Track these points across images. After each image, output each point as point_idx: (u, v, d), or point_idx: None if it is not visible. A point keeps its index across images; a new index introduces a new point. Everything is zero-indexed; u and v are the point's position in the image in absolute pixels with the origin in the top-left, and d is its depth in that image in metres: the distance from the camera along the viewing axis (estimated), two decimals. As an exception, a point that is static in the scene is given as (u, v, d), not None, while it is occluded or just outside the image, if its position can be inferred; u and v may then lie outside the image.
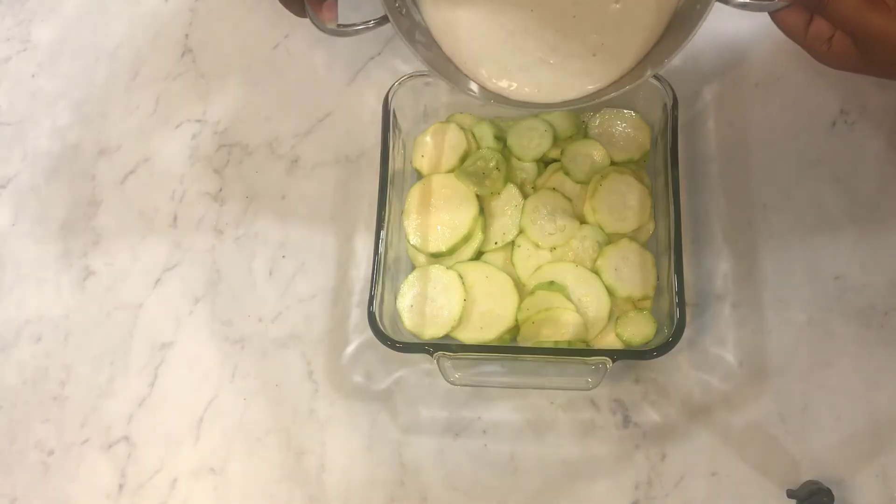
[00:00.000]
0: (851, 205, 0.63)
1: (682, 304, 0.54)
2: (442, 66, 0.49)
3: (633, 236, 0.61)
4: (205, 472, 0.60)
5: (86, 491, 0.61)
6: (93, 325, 0.65)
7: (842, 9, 0.42)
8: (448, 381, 0.57)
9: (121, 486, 0.61)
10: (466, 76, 0.50)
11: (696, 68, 0.67)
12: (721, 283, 0.61)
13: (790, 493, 0.55)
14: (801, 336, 0.60)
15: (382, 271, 0.57)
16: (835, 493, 0.54)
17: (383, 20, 0.47)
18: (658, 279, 0.59)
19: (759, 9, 0.45)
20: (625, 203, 0.61)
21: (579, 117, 0.64)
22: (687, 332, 0.54)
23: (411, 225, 0.61)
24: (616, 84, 0.49)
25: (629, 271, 0.59)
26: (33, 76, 0.74)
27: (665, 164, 0.59)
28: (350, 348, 0.62)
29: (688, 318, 0.55)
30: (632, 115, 0.63)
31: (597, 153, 0.62)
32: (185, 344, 0.64)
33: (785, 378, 0.59)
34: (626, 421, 0.59)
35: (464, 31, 0.49)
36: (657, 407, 0.59)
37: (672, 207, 0.57)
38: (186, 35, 0.73)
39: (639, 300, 0.59)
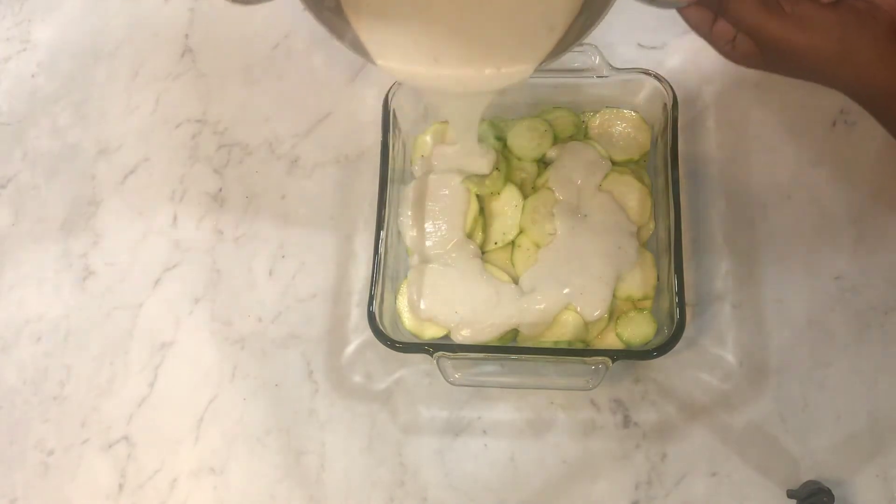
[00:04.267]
0: (851, 205, 0.63)
1: (682, 304, 0.54)
2: (349, 36, 0.46)
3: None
4: (205, 472, 0.60)
5: (86, 491, 0.61)
6: (93, 325, 0.65)
7: (740, 13, 0.43)
8: (448, 381, 0.57)
9: (121, 486, 0.61)
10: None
11: (696, 68, 0.67)
12: (721, 283, 0.61)
13: (790, 493, 0.55)
14: (801, 336, 0.60)
15: (382, 271, 0.57)
16: (835, 493, 0.54)
17: None
18: (658, 279, 0.59)
19: (664, 6, 0.44)
20: (625, 203, 0.61)
21: (580, 117, 0.64)
22: (687, 332, 0.54)
23: (410, 225, 0.61)
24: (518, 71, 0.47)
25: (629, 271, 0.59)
26: (33, 76, 0.74)
27: (665, 164, 0.59)
28: (350, 348, 0.62)
29: (688, 318, 0.55)
30: (632, 115, 0.63)
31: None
32: (185, 344, 0.64)
33: (785, 378, 0.59)
34: (626, 421, 0.59)
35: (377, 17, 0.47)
36: (657, 407, 0.59)
37: (672, 207, 0.57)
38: (186, 35, 0.73)
39: (639, 300, 0.59)
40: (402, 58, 0.47)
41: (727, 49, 0.46)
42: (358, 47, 0.46)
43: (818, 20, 0.42)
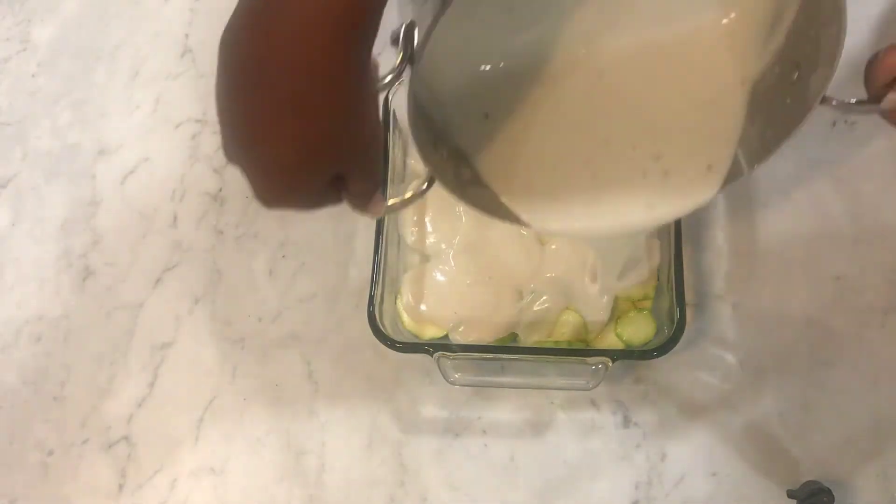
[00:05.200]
0: (851, 205, 0.63)
1: (682, 304, 0.54)
2: (495, 205, 0.45)
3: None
4: (205, 472, 0.60)
5: (86, 491, 0.61)
6: (93, 325, 0.65)
7: None
8: (448, 381, 0.57)
9: (121, 486, 0.61)
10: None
11: (696, 68, 0.67)
12: (721, 283, 0.61)
13: (790, 494, 0.55)
14: (801, 336, 0.60)
15: (382, 271, 0.57)
16: (835, 493, 0.54)
17: (431, 182, 0.42)
18: (658, 279, 0.59)
19: (868, 112, 0.40)
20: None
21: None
22: (687, 332, 0.54)
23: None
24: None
25: (629, 271, 0.59)
26: (33, 76, 0.74)
27: (665, 164, 0.59)
28: (350, 348, 0.62)
29: (688, 318, 0.54)
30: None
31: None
32: (185, 344, 0.64)
33: (785, 378, 0.59)
34: (626, 421, 0.59)
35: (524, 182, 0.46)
36: (657, 407, 0.59)
37: (672, 207, 0.57)
38: (186, 35, 0.73)
39: (639, 300, 0.59)
40: (560, 220, 0.46)
41: None
42: (509, 217, 0.45)
43: None
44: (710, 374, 0.59)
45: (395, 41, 0.38)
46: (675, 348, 0.53)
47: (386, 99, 0.60)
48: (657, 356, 0.54)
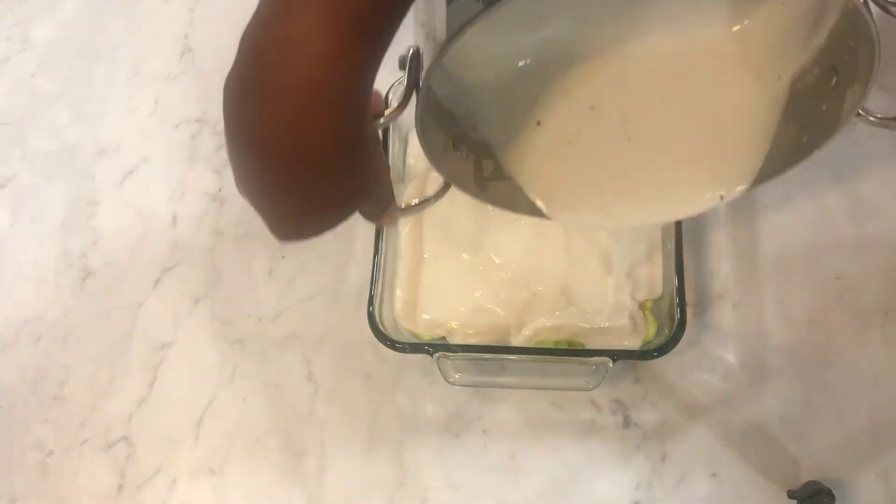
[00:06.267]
0: (851, 205, 0.63)
1: (682, 304, 0.54)
2: (517, 198, 0.44)
3: (633, 236, 0.61)
4: (204, 473, 0.60)
5: (85, 491, 0.61)
6: (93, 325, 0.65)
7: None
8: (448, 381, 0.57)
9: (120, 487, 0.61)
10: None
11: (696, 68, 0.67)
12: (721, 283, 0.61)
13: (791, 494, 0.55)
14: (801, 336, 0.60)
15: (382, 271, 0.57)
16: (835, 493, 0.54)
17: (447, 188, 0.42)
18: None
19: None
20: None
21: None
22: (687, 332, 0.54)
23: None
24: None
25: (629, 271, 0.59)
26: (33, 76, 0.74)
27: (665, 164, 0.59)
28: (350, 348, 0.62)
29: (688, 318, 0.54)
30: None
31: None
32: (184, 344, 0.64)
33: (785, 378, 0.59)
34: (626, 421, 0.59)
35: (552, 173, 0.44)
36: (657, 407, 0.59)
37: (672, 207, 0.57)
38: (186, 35, 0.73)
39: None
40: (584, 210, 0.45)
41: None
42: (531, 210, 0.44)
43: None
44: (710, 374, 0.59)
45: (402, 66, 0.38)
46: (675, 348, 0.53)
47: (386, 98, 0.60)
48: (657, 356, 0.54)
